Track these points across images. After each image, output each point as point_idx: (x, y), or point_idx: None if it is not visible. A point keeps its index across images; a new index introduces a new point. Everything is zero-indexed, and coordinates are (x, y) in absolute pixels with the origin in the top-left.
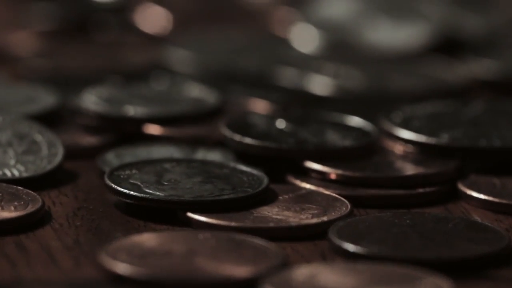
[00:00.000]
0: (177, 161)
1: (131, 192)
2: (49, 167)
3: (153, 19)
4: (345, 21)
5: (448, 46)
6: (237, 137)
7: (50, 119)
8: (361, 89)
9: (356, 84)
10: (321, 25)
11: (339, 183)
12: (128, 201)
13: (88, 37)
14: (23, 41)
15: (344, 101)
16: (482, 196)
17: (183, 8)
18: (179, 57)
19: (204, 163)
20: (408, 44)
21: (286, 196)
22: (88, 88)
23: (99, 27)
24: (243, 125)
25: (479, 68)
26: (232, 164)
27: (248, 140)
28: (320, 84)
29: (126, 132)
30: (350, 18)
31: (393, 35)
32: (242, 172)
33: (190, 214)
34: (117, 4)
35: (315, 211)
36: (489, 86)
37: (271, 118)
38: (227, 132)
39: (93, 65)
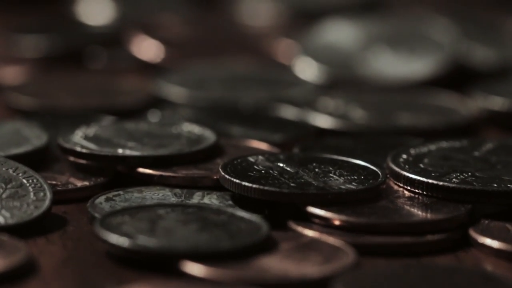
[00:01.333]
0: (172, 206)
1: (122, 244)
2: (36, 213)
3: (147, 50)
4: (349, 52)
5: (457, 78)
6: (235, 180)
7: (38, 160)
8: (366, 124)
9: (361, 119)
10: (324, 57)
11: (343, 229)
12: (119, 252)
13: (81, 67)
14: (13, 73)
15: (348, 138)
16: (495, 244)
17: (180, 38)
18: (175, 90)
19: (200, 208)
20: (416, 76)
21: (287, 245)
22: (78, 126)
23: (93, 58)
24: (241, 166)
25: (489, 102)
26: (230, 210)
27: (246, 183)
28: (322, 119)
29: (118, 173)
30: (354, 50)
31: (400, 67)
32: (241, 219)
33: (184, 265)
34: (110, 34)
35: (318, 261)
36: (499, 120)
37: (271, 158)
38: (224, 174)
39: (85, 100)
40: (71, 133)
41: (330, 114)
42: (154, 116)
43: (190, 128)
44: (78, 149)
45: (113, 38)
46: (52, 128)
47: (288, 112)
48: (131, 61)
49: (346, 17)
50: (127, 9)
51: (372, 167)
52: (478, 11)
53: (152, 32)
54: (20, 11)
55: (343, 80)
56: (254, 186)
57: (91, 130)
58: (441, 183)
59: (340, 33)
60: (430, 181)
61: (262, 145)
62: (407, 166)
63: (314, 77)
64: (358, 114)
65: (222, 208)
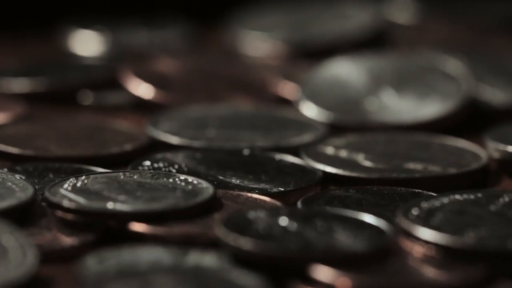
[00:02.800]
0: (165, 270)
1: None
2: (19, 275)
3: (141, 89)
4: (353, 94)
5: (468, 121)
6: (234, 239)
7: (21, 216)
8: (373, 172)
9: (367, 166)
10: (326, 100)
11: None
12: None
13: (71, 109)
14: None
15: (354, 188)
16: None
17: (175, 76)
18: (169, 134)
19: (196, 271)
20: (424, 120)
21: None
22: (66, 176)
23: (84, 98)
24: (240, 222)
25: (503, 149)
26: (228, 273)
27: (245, 243)
28: (326, 167)
29: (109, 229)
30: (359, 91)
31: (408, 109)
32: (240, 286)
33: None
34: (103, 72)
35: None
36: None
37: (273, 213)
38: (223, 232)
39: (74, 147)
40: (59, 185)
41: (334, 161)
42: (147, 165)
43: (186, 179)
44: (66, 203)
45: (105, 76)
46: (38, 179)
47: (290, 159)
48: (125, 100)
49: (349, 56)
50: (121, 43)
51: (380, 225)
52: (486, 45)
53: (146, 69)
54: (11, 47)
55: (348, 124)
56: (254, 246)
57: (80, 182)
58: (455, 241)
59: (343, 74)
60: (444, 239)
61: (263, 198)
62: (419, 222)
63: (317, 122)
64: (364, 162)
65: (219, 270)
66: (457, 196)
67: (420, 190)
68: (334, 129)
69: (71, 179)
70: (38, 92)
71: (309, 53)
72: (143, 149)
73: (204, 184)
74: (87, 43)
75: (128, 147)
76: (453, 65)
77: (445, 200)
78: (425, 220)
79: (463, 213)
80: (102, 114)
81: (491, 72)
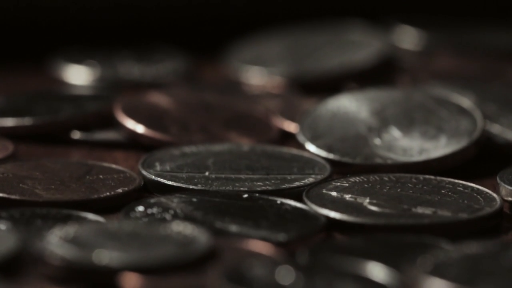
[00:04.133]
0: None
1: None
2: None
3: (136, 128)
4: (356, 134)
5: (479, 163)
6: None
7: (6, 270)
8: (380, 219)
9: (374, 213)
10: (327, 140)
11: None
12: None
13: (60, 149)
14: None
15: (360, 236)
16: None
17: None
18: (164, 178)
19: None
20: (432, 162)
21: None
22: (54, 225)
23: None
24: (238, 275)
25: None
26: None
27: None
28: (331, 213)
29: (99, 284)
30: (362, 131)
31: (414, 150)
32: None
33: None
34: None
35: None
36: None
37: (273, 265)
38: (219, 285)
39: (62, 193)
40: (46, 235)
41: (339, 205)
42: (140, 211)
43: (181, 227)
44: (54, 255)
45: (97, 112)
46: (24, 227)
47: (292, 203)
48: (117, 138)
49: (353, 92)
50: (114, 77)
51: (387, 275)
52: (498, 77)
53: (140, 104)
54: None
55: (352, 164)
56: None
57: (69, 231)
58: None
59: (347, 110)
60: None
61: (264, 246)
62: (427, 275)
63: (320, 162)
64: (370, 205)
65: None
66: (469, 248)
67: (429, 238)
68: (338, 169)
69: (59, 229)
70: (24, 128)
71: (311, 87)
72: (136, 192)
73: (200, 233)
74: (78, 77)
75: (120, 190)
76: (463, 101)
77: (456, 252)
78: (436, 274)
79: (475, 267)
80: (93, 153)
81: (503, 107)
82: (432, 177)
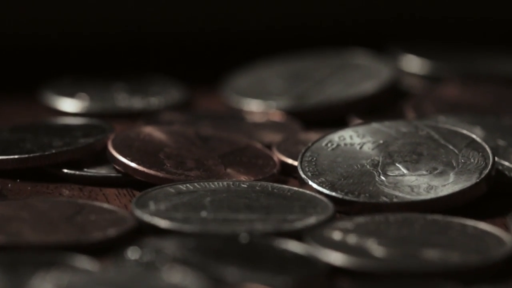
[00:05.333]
0: None
1: None
2: None
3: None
4: (360, 172)
5: (490, 202)
6: None
7: None
8: (386, 263)
9: (380, 256)
10: (331, 179)
11: None
12: None
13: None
14: None
15: (366, 281)
16: None
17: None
18: (158, 219)
19: None
20: (441, 201)
21: None
22: (42, 269)
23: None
24: None
25: None
26: None
27: None
28: (334, 256)
29: None
30: (366, 169)
31: (421, 189)
32: None
33: None
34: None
35: None
36: None
37: None
38: None
39: (52, 234)
40: (34, 281)
41: (342, 249)
42: (134, 256)
43: (178, 278)
44: None
45: (88, 148)
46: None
47: (293, 247)
48: (108, 175)
49: (357, 125)
50: (107, 110)
51: None
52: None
53: (133, 140)
54: None
55: (356, 208)
56: None
57: (58, 278)
58: None
59: (351, 145)
60: None
61: None
62: None
63: (322, 200)
64: (376, 248)
65: None
66: None
67: (437, 283)
68: (341, 208)
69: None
70: (12, 163)
71: (313, 120)
72: (129, 233)
73: (195, 282)
74: (70, 109)
75: (112, 232)
76: (472, 134)
77: None
78: None
79: None
80: (84, 190)
81: None
82: (441, 217)
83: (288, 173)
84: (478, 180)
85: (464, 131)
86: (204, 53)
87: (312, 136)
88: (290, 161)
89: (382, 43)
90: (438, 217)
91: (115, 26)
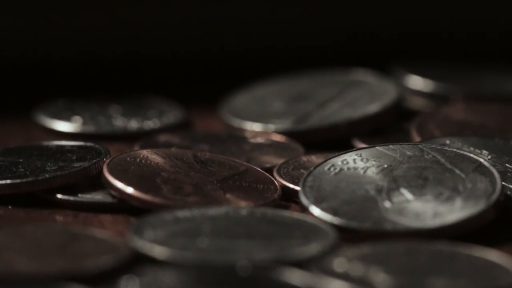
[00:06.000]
0: None
1: None
2: None
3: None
4: (364, 197)
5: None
6: None
7: None
8: None
9: (384, 285)
10: (334, 205)
11: None
12: None
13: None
14: None
15: None
16: None
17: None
18: (155, 246)
19: None
20: (448, 228)
21: None
22: None
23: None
24: None
25: None
26: None
27: None
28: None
29: None
30: (370, 194)
31: (428, 215)
32: None
33: None
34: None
35: None
36: None
37: None
38: None
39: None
40: None
41: (346, 279)
42: (129, 283)
43: None
44: None
45: (82, 172)
46: None
47: (295, 278)
48: (104, 201)
49: (360, 149)
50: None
51: None
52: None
53: (129, 164)
54: None
55: (360, 235)
56: None
57: None
58: None
59: (354, 170)
60: None
61: None
62: None
63: (325, 227)
64: (380, 279)
65: None
66: None
67: None
68: (344, 235)
69: None
70: (4, 188)
71: (315, 143)
72: (125, 262)
73: None
74: (65, 131)
75: (106, 260)
76: (479, 158)
77: None
78: None
79: None
80: (78, 216)
81: None
82: (447, 245)
83: (289, 198)
84: (486, 206)
85: (471, 155)
86: (202, 73)
87: (314, 159)
88: (291, 185)
89: (386, 62)
90: (444, 245)
91: (111, 47)
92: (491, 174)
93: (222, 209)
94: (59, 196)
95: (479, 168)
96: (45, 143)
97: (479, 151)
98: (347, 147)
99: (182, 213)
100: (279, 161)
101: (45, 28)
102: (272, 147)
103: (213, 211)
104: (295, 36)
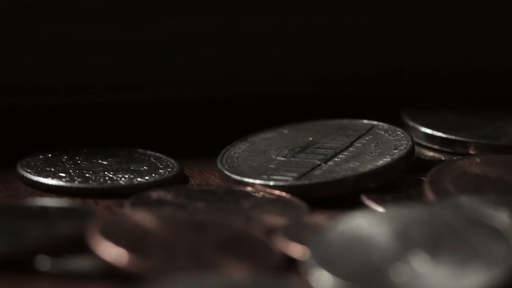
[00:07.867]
0: None
1: None
2: None
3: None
4: (376, 260)
5: None
6: None
7: None
8: None
9: None
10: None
11: None
12: None
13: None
14: None
15: None
16: None
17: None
18: None
19: None
20: None
21: None
22: None
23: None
24: None
25: None
26: None
27: None
28: None
29: None
30: (382, 256)
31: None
32: None
33: None
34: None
35: None
36: None
37: None
38: None
39: None
40: None
41: None
42: None
43: None
44: None
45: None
46: None
47: None
48: (91, 267)
49: (370, 210)
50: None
51: None
52: None
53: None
54: None
55: None
56: None
57: None
58: None
59: (363, 232)
60: None
61: None
62: None
63: None
64: None
65: None
66: None
67: None
68: None
69: None
70: None
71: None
72: None
73: None
74: (48, 190)
75: None
76: (500, 218)
77: None
78: None
79: None
80: (62, 286)
81: None
82: None
83: (292, 263)
84: (509, 272)
85: (492, 212)
86: (198, 124)
87: (319, 218)
88: (295, 249)
89: (397, 114)
90: None
91: (101, 96)
92: (508, 239)
93: (218, 277)
94: (41, 263)
95: (494, 232)
96: (26, 203)
97: (497, 210)
98: (354, 204)
99: (175, 278)
100: (280, 220)
101: (30, 78)
102: (274, 204)
103: (208, 278)
104: (296, 84)
